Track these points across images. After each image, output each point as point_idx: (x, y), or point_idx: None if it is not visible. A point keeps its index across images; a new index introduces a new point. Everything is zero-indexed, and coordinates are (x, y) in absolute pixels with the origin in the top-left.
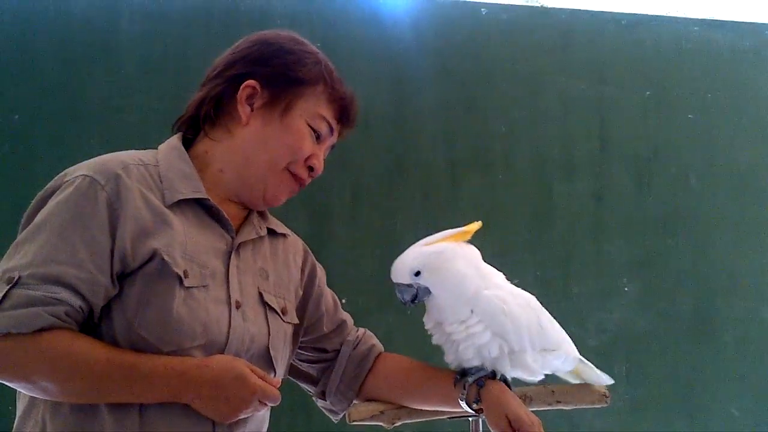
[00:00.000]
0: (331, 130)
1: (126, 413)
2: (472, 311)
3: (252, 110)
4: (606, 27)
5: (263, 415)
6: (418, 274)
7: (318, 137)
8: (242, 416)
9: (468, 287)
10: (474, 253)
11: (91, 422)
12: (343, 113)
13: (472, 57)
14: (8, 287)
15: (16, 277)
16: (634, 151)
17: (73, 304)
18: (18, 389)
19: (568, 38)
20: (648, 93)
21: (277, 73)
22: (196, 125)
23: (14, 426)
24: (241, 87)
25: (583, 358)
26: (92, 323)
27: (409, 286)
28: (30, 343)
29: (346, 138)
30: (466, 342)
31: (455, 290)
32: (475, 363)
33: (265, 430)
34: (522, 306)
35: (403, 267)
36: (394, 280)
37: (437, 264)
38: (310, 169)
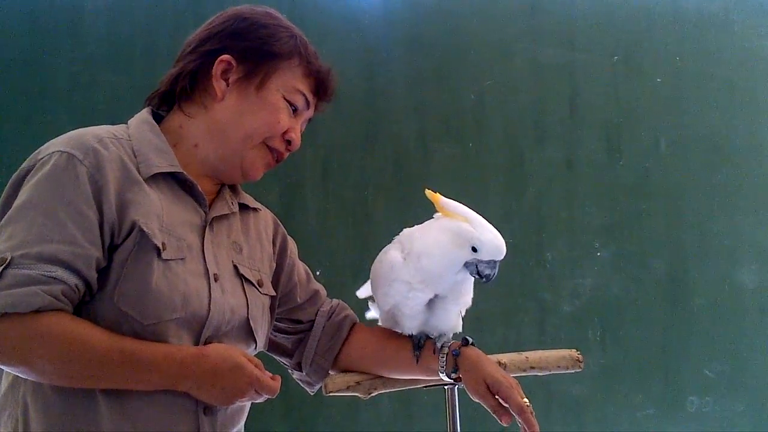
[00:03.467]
0: (308, 103)
1: (110, 395)
2: None
3: (227, 85)
4: None
5: None
6: None
7: (294, 111)
8: (239, 403)
9: None
10: None
11: (73, 403)
12: (320, 87)
13: (441, 26)
14: (1, 268)
15: (9, 258)
16: (604, 117)
17: (69, 282)
18: (14, 373)
19: (537, 4)
20: (616, 58)
21: (251, 48)
22: (170, 100)
23: None
24: (216, 62)
25: None
26: (84, 300)
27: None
28: (28, 323)
29: (323, 111)
30: (456, 306)
31: None
32: (455, 323)
33: (248, 408)
34: None
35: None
36: (502, 257)
37: None
38: (288, 142)
